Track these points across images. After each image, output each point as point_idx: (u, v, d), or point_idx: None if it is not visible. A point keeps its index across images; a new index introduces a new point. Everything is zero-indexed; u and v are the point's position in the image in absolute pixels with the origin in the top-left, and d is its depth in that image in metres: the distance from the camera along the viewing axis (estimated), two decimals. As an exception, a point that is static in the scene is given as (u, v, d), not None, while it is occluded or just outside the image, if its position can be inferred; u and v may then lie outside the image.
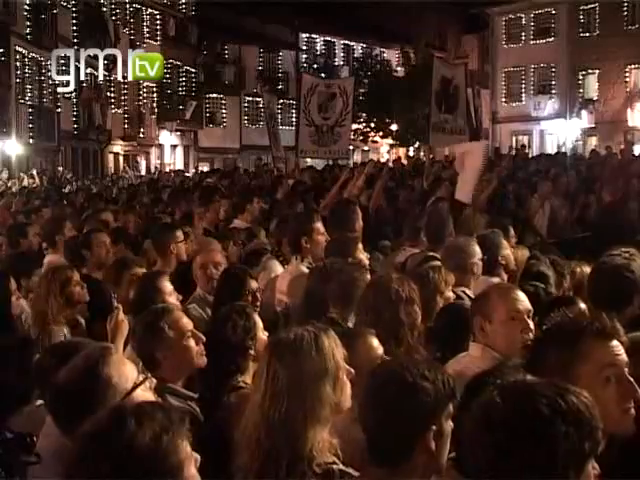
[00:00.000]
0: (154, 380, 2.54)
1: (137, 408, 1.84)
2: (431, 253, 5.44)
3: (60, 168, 30.57)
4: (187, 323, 3.39)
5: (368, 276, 4.23)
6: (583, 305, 3.79)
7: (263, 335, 3.54)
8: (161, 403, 1.94)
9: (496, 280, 4.81)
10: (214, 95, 43.42)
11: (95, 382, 2.35)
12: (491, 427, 1.78)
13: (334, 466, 2.43)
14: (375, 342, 3.09)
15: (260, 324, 3.59)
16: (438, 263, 4.82)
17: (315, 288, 4.21)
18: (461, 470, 2.40)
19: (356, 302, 3.87)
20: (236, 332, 3.47)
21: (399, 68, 42.03)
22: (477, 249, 4.98)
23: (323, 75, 34.30)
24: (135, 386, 2.39)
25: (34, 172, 26.76)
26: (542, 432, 1.74)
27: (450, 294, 4.35)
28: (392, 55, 44.49)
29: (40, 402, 3.17)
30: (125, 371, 2.43)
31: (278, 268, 5.73)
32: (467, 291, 4.66)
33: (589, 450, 1.77)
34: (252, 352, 3.45)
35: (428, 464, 2.28)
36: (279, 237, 6.33)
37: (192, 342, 3.32)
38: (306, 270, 5.00)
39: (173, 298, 4.33)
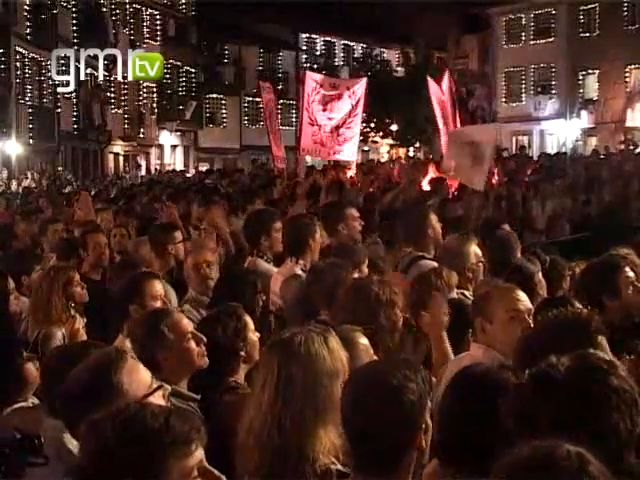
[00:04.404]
0: (168, 387, 2.48)
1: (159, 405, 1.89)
2: (420, 253, 5.41)
3: (60, 168, 30.56)
4: (187, 325, 3.36)
5: (354, 276, 4.15)
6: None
7: (254, 336, 3.50)
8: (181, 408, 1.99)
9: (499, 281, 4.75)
10: (214, 95, 43.42)
11: (105, 388, 2.29)
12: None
13: (332, 466, 2.42)
14: (366, 342, 3.06)
15: (251, 325, 3.53)
16: (432, 264, 4.77)
17: (304, 290, 4.18)
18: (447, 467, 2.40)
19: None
20: (226, 334, 3.42)
21: (399, 68, 42.01)
22: (475, 250, 4.89)
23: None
24: (147, 394, 2.33)
25: (30, 173, 26.72)
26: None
27: (454, 295, 4.28)
28: (392, 55, 44.45)
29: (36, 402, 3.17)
30: (137, 378, 2.37)
31: (266, 267, 5.49)
32: (466, 293, 4.60)
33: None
34: (243, 354, 3.42)
35: (417, 461, 2.29)
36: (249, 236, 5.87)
37: (193, 343, 3.29)
38: (300, 272, 4.93)
39: (158, 302, 4.20)
